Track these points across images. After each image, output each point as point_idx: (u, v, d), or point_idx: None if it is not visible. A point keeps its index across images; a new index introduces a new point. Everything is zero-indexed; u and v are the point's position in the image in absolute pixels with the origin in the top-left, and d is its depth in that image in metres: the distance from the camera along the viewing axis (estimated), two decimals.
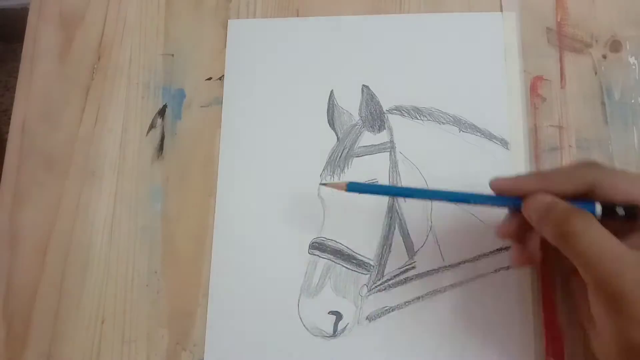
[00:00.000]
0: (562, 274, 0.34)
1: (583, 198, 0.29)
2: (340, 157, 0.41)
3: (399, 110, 0.42)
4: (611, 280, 0.24)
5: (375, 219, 0.40)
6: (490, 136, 0.41)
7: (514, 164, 0.40)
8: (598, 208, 0.28)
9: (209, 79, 0.44)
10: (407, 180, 0.40)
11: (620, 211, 0.28)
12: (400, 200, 0.40)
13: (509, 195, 0.31)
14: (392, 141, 0.41)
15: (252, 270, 0.40)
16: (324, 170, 0.41)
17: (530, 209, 0.29)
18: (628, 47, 0.42)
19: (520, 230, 0.32)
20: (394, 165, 0.41)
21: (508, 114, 0.41)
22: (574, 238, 0.26)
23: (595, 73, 0.42)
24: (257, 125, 0.43)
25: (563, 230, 0.26)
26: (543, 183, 0.29)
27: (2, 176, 0.44)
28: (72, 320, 0.40)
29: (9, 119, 0.45)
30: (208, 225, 0.41)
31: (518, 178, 0.31)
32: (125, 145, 0.44)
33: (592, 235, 0.25)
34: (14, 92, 0.45)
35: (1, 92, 1.33)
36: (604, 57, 0.42)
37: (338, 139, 0.42)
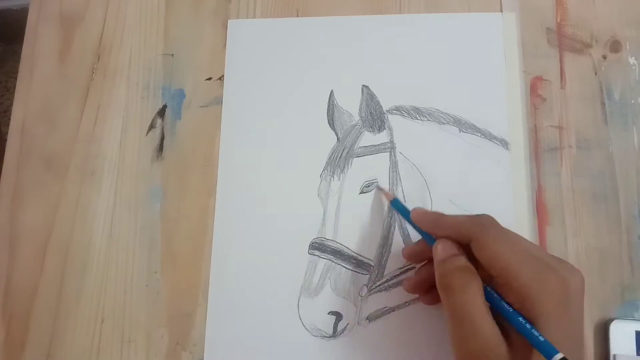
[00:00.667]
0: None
1: None
2: (340, 157, 0.41)
3: (399, 110, 0.42)
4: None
5: (376, 219, 0.40)
6: (490, 136, 0.41)
7: (513, 164, 0.40)
8: None
9: (209, 79, 0.44)
10: (407, 181, 0.40)
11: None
12: (401, 200, 0.40)
13: (425, 229, 0.34)
14: (392, 141, 0.41)
15: (252, 270, 0.40)
16: (324, 170, 0.41)
17: (434, 251, 0.32)
18: (628, 48, 0.42)
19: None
20: (394, 165, 0.41)
21: (508, 114, 0.41)
22: (449, 293, 0.30)
23: (595, 73, 0.42)
24: (257, 126, 0.43)
25: (444, 283, 0.30)
26: (444, 230, 0.33)
27: (2, 176, 0.44)
28: (72, 320, 0.40)
29: (9, 119, 0.45)
30: (208, 225, 0.41)
31: (435, 217, 0.34)
32: (125, 146, 0.44)
33: (464, 300, 0.29)
34: (14, 93, 0.45)
35: (1, 92, 1.33)
36: (604, 57, 0.42)
37: (338, 139, 0.42)
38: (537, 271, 0.28)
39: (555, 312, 0.27)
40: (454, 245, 0.32)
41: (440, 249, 0.32)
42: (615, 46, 0.42)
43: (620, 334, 0.36)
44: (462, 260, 0.30)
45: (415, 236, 0.39)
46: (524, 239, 0.31)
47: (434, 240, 0.33)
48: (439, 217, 0.34)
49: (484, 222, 0.31)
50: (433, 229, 0.34)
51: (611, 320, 0.36)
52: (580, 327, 0.29)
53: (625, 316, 0.37)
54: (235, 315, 0.39)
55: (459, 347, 0.28)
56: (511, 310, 0.28)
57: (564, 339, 0.26)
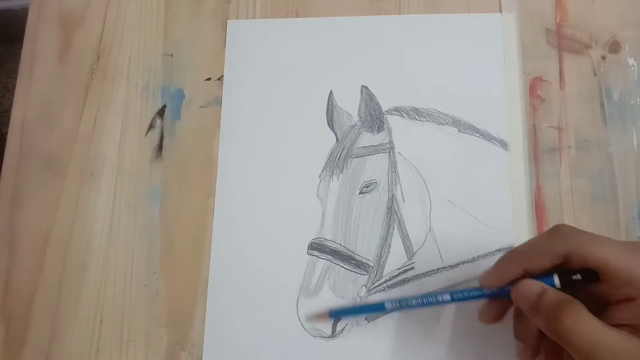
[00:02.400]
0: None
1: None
2: (339, 157, 0.41)
3: (398, 111, 0.42)
4: None
5: (375, 220, 0.40)
6: (489, 137, 0.41)
7: (513, 164, 0.40)
8: (556, 280, 0.29)
9: (208, 79, 0.44)
10: (405, 181, 0.40)
11: (577, 277, 0.28)
12: (400, 201, 0.40)
13: (498, 288, 0.31)
14: (391, 142, 0.41)
15: (251, 270, 0.40)
16: (323, 170, 0.41)
17: (519, 299, 0.29)
18: (627, 48, 0.42)
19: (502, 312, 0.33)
20: (393, 165, 0.41)
21: (507, 115, 0.41)
22: (565, 333, 0.26)
23: (595, 74, 0.42)
24: (256, 126, 0.43)
25: (555, 327, 0.27)
26: (523, 265, 0.30)
27: (1, 176, 0.44)
28: (71, 320, 0.40)
29: (10, 119, 0.45)
30: (207, 225, 0.41)
31: (500, 267, 0.31)
32: (124, 146, 0.44)
33: (582, 330, 0.26)
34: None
35: (1, 92, 1.33)
36: (603, 58, 0.42)
37: (337, 139, 0.42)
38: None
39: None
40: (532, 281, 0.29)
41: (528, 287, 0.29)
42: (614, 47, 0.42)
43: None
44: (553, 293, 0.28)
45: (414, 237, 0.39)
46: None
47: (505, 291, 0.30)
48: (514, 254, 0.31)
49: (564, 230, 0.29)
50: (512, 275, 0.30)
51: None
52: None
53: None
54: (234, 315, 0.39)
55: None
56: None
57: None
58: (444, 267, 0.39)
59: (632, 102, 0.41)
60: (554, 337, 0.27)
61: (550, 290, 0.28)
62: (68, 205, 0.43)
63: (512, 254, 0.31)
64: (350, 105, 0.42)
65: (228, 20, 0.46)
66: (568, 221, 0.39)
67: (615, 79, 0.41)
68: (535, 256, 0.30)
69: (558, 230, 0.29)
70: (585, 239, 0.28)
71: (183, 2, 0.46)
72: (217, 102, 0.44)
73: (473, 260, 0.38)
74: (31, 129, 0.45)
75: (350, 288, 0.39)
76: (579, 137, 0.41)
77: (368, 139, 0.41)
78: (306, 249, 0.40)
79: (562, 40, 0.42)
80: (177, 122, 0.44)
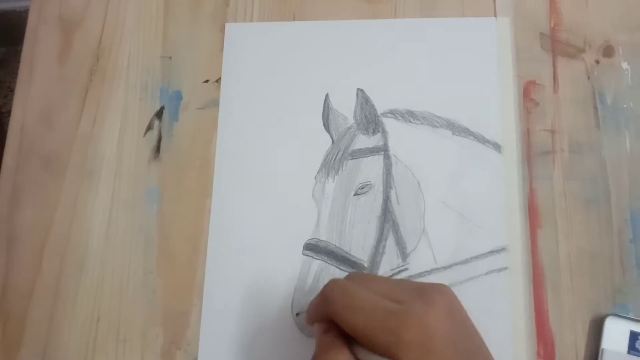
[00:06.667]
0: None
1: None
2: (334, 159, 0.42)
3: (393, 113, 0.42)
4: None
5: (369, 221, 0.40)
6: (483, 140, 0.41)
7: (506, 167, 0.40)
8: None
9: (206, 81, 0.45)
10: (400, 183, 0.41)
11: None
12: (394, 202, 0.40)
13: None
14: (386, 144, 0.42)
15: (247, 271, 0.40)
16: (318, 172, 0.42)
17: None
18: (621, 52, 0.42)
19: None
20: (387, 168, 0.41)
21: (501, 118, 0.41)
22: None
23: (588, 78, 0.42)
24: (253, 128, 0.43)
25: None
26: (317, 317, 0.31)
27: (1, 176, 0.44)
28: (68, 319, 0.41)
29: None
30: (203, 226, 0.42)
31: (308, 312, 0.33)
32: (123, 147, 0.44)
33: None
34: None
35: (4, 93, 1.34)
36: (597, 62, 0.42)
37: (333, 141, 0.42)
38: (390, 329, 0.26)
39: (419, 358, 0.25)
40: (321, 326, 0.31)
41: (315, 337, 0.31)
42: (608, 51, 0.42)
43: (614, 330, 0.36)
44: (326, 340, 0.29)
45: (408, 238, 0.40)
46: (375, 286, 0.30)
47: None
48: (309, 308, 0.33)
49: (328, 294, 0.30)
50: (315, 320, 0.32)
51: (607, 315, 0.36)
52: (465, 346, 0.27)
53: None
54: (229, 315, 0.40)
55: None
56: None
57: None
58: (438, 268, 0.39)
59: (625, 105, 0.41)
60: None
61: (328, 335, 0.29)
62: (66, 205, 0.43)
63: (307, 312, 0.33)
64: (346, 107, 0.43)
65: (226, 23, 0.46)
66: (561, 223, 0.39)
67: (608, 83, 0.42)
68: (317, 312, 0.31)
69: (324, 292, 0.30)
70: (338, 307, 0.28)
71: (182, 5, 0.47)
72: (215, 104, 0.44)
73: (466, 261, 0.39)
74: (30, 129, 0.45)
75: None
76: (572, 140, 0.41)
77: (363, 141, 0.42)
78: (301, 249, 0.40)
79: (556, 44, 0.43)
80: (175, 124, 0.44)
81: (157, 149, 0.44)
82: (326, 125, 0.43)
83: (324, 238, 0.40)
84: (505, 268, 0.38)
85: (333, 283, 0.30)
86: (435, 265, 0.39)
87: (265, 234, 0.41)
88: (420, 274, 0.39)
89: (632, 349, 0.36)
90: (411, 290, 0.29)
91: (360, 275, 0.34)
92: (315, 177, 0.42)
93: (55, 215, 0.43)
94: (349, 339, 0.29)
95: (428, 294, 0.28)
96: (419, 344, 0.25)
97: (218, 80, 0.45)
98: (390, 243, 0.40)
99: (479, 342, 0.28)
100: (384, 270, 0.39)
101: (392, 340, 0.26)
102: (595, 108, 0.41)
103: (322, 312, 0.30)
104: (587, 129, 0.41)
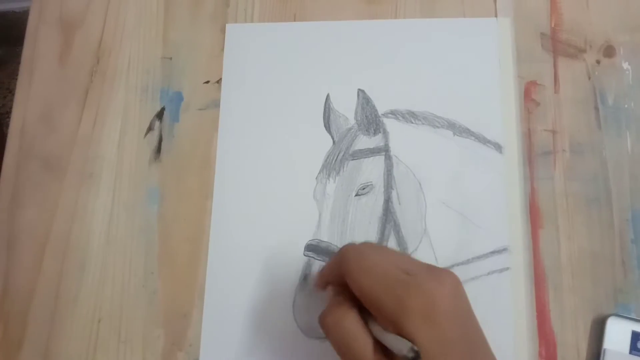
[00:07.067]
0: None
1: None
2: (335, 160, 0.42)
3: (394, 114, 0.42)
4: None
5: (370, 222, 0.40)
6: (484, 140, 0.41)
7: (507, 167, 0.40)
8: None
9: (207, 82, 0.45)
10: (401, 183, 0.41)
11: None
12: (395, 203, 0.40)
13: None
14: (387, 144, 0.42)
15: (248, 271, 0.40)
16: (320, 172, 0.42)
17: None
18: (622, 53, 0.42)
19: None
20: (388, 168, 0.41)
21: (502, 118, 0.41)
22: (327, 329, 0.30)
23: (589, 78, 0.42)
24: (253, 128, 0.43)
25: (322, 322, 0.31)
26: (329, 279, 0.34)
27: (1, 177, 0.44)
28: (69, 320, 0.41)
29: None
30: (204, 226, 0.42)
31: (320, 275, 0.36)
32: (123, 147, 0.44)
33: (342, 331, 0.29)
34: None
35: (4, 94, 1.34)
36: (598, 62, 0.42)
37: (334, 142, 0.42)
38: (397, 295, 0.27)
39: (422, 329, 0.26)
40: (333, 289, 0.32)
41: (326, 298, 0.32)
42: (609, 51, 0.42)
43: (616, 331, 0.36)
44: (337, 299, 0.31)
45: (409, 238, 0.40)
46: (388, 256, 0.31)
47: None
48: (323, 269, 0.35)
49: (344, 255, 0.31)
50: (329, 282, 0.34)
51: (608, 315, 0.36)
52: (464, 330, 0.28)
53: None
54: (230, 316, 0.40)
55: None
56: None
57: (438, 352, 0.26)
58: None
59: (626, 106, 0.41)
60: (324, 332, 0.31)
61: (339, 297, 0.31)
62: (67, 206, 0.43)
63: (321, 272, 0.35)
64: (346, 108, 0.43)
65: (227, 24, 0.46)
66: (562, 223, 0.39)
67: (609, 83, 0.42)
68: (330, 272, 0.33)
69: (341, 253, 0.32)
70: (352, 268, 0.30)
71: (182, 6, 0.47)
72: (215, 104, 0.44)
73: (467, 262, 0.39)
74: (31, 130, 0.45)
75: None
76: (573, 140, 0.41)
77: (364, 141, 0.42)
78: (302, 250, 0.40)
79: (557, 44, 0.43)
80: (176, 125, 0.44)
81: (158, 149, 0.44)
82: (327, 125, 0.43)
83: (325, 239, 0.40)
84: (507, 268, 0.38)
85: (350, 245, 0.32)
86: (436, 265, 0.39)
87: (266, 234, 0.41)
88: None
89: (634, 349, 0.36)
90: (421, 266, 0.30)
91: (375, 244, 0.36)
92: (316, 178, 0.42)
93: (55, 216, 0.43)
94: (361, 310, 0.30)
95: (437, 272, 0.29)
96: (422, 313, 0.26)
97: (219, 81, 0.45)
98: (391, 243, 0.40)
99: (478, 330, 0.29)
100: None
101: (398, 305, 0.27)
102: (596, 108, 0.41)
103: (336, 273, 0.32)
104: (588, 129, 0.41)
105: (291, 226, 0.41)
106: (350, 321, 0.29)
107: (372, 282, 0.28)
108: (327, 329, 0.30)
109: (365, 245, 0.33)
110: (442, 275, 0.28)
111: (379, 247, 0.33)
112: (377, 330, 0.29)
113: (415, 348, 0.26)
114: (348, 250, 0.31)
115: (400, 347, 0.27)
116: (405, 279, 0.28)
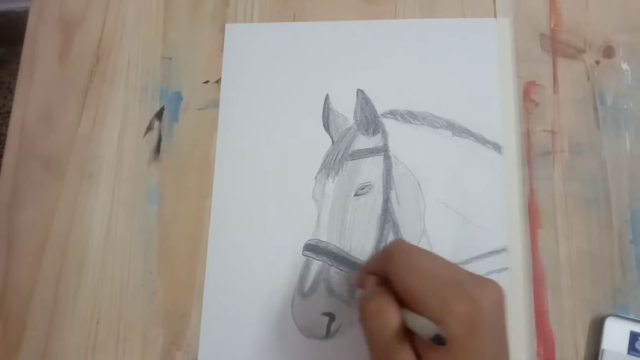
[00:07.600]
0: None
1: None
2: (335, 160, 0.42)
3: (393, 114, 0.42)
4: None
5: (369, 222, 0.40)
6: (483, 140, 0.41)
7: (506, 168, 0.40)
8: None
9: (206, 82, 0.45)
10: (400, 184, 0.41)
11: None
12: (394, 203, 0.40)
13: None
14: (386, 145, 0.42)
15: (247, 271, 0.40)
16: (319, 172, 0.42)
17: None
18: (621, 53, 0.42)
19: None
20: (387, 168, 0.41)
21: (501, 119, 0.41)
22: (365, 317, 0.30)
23: (588, 78, 0.42)
24: (253, 128, 0.43)
25: (360, 307, 0.30)
26: (372, 271, 0.34)
27: (1, 176, 0.44)
28: (68, 320, 0.41)
29: None
30: (203, 226, 0.42)
31: (360, 273, 0.36)
32: (123, 147, 0.44)
33: (380, 321, 0.29)
34: None
35: (4, 94, 1.34)
36: (597, 62, 0.42)
37: (333, 142, 0.42)
38: (444, 298, 0.27)
39: (464, 336, 0.26)
40: (374, 278, 0.32)
41: (367, 286, 0.32)
42: (608, 52, 0.42)
43: (614, 331, 0.36)
44: (378, 290, 0.31)
45: (408, 239, 0.40)
46: (436, 259, 0.31)
47: None
48: (367, 263, 0.35)
49: (392, 251, 0.31)
50: (373, 272, 0.34)
51: (607, 315, 0.37)
52: (499, 342, 0.29)
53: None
54: (229, 315, 0.40)
55: None
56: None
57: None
58: None
59: (625, 106, 0.41)
60: (360, 319, 0.31)
61: (381, 288, 0.31)
62: (66, 206, 0.43)
63: (365, 265, 0.35)
64: (346, 108, 0.43)
65: (226, 24, 0.46)
66: (561, 224, 0.39)
67: (608, 84, 0.42)
68: (374, 264, 0.34)
69: (387, 250, 0.32)
70: (400, 266, 0.30)
71: (182, 6, 0.47)
72: (215, 104, 0.44)
73: (466, 262, 0.39)
74: (30, 130, 0.45)
75: (345, 289, 0.39)
76: (572, 141, 0.41)
77: (363, 141, 0.42)
78: (301, 250, 0.40)
79: (556, 45, 0.43)
80: (175, 124, 0.44)
81: (157, 149, 0.44)
82: (326, 125, 0.43)
83: (324, 239, 0.40)
84: (506, 268, 0.38)
85: (399, 242, 0.32)
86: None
87: (265, 234, 0.41)
88: None
89: (632, 349, 0.36)
90: (469, 274, 0.30)
91: (422, 248, 0.35)
92: (315, 178, 0.42)
93: (55, 216, 0.43)
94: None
95: (484, 281, 0.29)
96: (467, 319, 0.27)
97: (218, 81, 0.45)
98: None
99: (507, 344, 0.29)
100: None
101: (444, 306, 0.27)
102: (595, 109, 0.41)
103: (380, 267, 0.32)
104: (587, 130, 0.41)
105: (290, 226, 0.41)
106: (392, 315, 0.29)
107: (420, 283, 0.29)
108: (366, 315, 0.30)
109: (413, 246, 0.33)
110: (488, 285, 0.29)
111: (426, 250, 0.33)
112: (407, 312, 0.29)
113: (444, 334, 0.26)
114: (397, 249, 0.32)
115: (430, 329, 0.27)
116: (453, 284, 0.28)
